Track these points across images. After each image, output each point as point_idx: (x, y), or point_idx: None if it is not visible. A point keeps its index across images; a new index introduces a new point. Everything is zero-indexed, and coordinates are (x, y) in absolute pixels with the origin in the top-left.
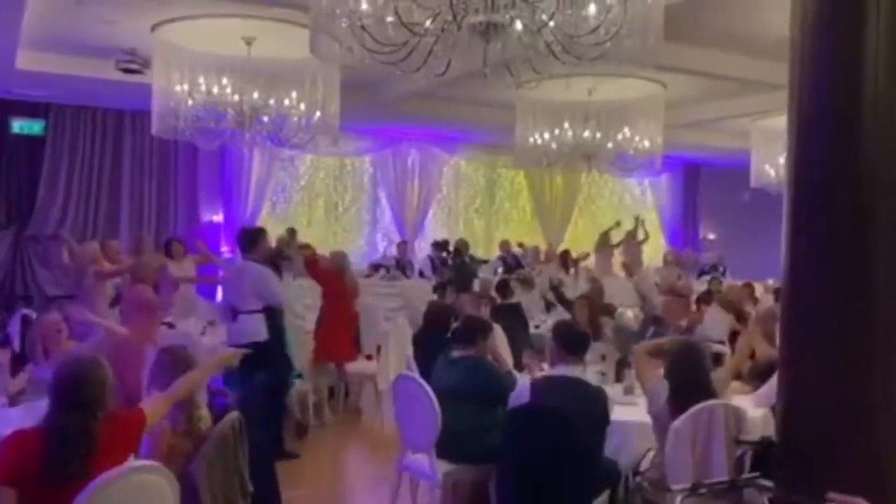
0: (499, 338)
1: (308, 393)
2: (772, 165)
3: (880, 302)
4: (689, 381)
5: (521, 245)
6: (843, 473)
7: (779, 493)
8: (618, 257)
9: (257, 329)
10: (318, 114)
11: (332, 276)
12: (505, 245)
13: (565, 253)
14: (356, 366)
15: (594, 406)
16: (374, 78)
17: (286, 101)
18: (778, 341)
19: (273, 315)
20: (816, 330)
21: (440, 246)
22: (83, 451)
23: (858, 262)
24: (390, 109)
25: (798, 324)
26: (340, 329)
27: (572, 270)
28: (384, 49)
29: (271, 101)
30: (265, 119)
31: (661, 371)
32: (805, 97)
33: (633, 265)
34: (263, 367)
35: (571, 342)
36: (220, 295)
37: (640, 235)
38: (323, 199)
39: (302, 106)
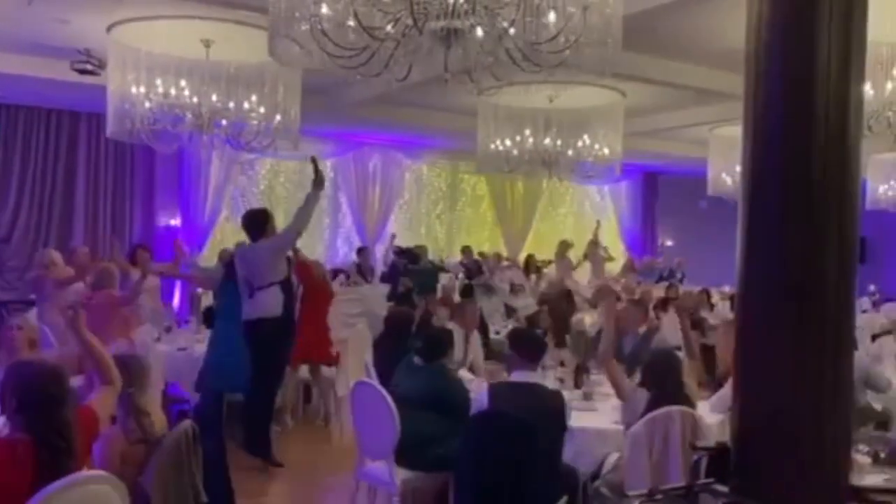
0: (474, 346)
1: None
2: (728, 174)
3: (832, 309)
4: (669, 389)
5: (481, 254)
6: (796, 479)
7: (733, 498)
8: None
9: (273, 304)
10: (278, 117)
11: (318, 280)
12: (467, 251)
13: (529, 258)
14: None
15: (552, 410)
16: (335, 82)
17: (245, 105)
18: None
19: (289, 287)
20: (769, 335)
21: (403, 253)
22: (72, 448)
23: (811, 269)
24: (351, 114)
25: (751, 329)
26: (322, 330)
27: (533, 276)
28: (345, 53)
29: (230, 105)
30: (224, 122)
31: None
32: (759, 107)
33: (595, 272)
34: (274, 345)
35: (527, 348)
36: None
37: (601, 242)
38: (284, 204)
39: (262, 109)
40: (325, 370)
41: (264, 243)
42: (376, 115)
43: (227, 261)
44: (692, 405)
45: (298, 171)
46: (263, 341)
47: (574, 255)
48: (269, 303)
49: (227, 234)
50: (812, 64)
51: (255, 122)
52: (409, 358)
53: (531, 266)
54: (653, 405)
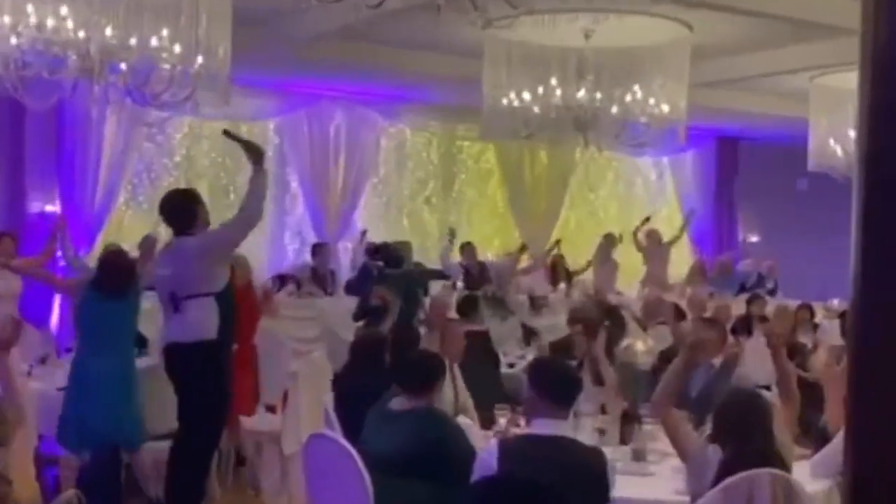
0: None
1: None
2: (838, 140)
3: None
4: (752, 445)
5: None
6: None
7: None
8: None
9: (206, 321)
10: (199, 59)
11: (242, 290)
12: (469, 250)
13: (557, 259)
14: (252, 421)
15: (589, 474)
16: (279, 9)
17: (153, 41)
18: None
19: (226, 301)
20: None
21: (378, 252)
22: None
23: None
24: (303, 54)
25: (872, 360)
26: (237, 369)
27: (562, 285)
28: None
29: (132, 41)
30: (123, 66)
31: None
32: (882, 43)
33: (651, 277)
34: (207, 379)
35: (554, 387)
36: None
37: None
38: (207, 181)
39: (176, 48)
40: (250, 421)
41: (191, 241)
42: (339, 56)
43: (103, 258)
44: (786, 467)
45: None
46: (193, 374)
47: (622, 256)
48: (200, 318)
49: (128, 225)
50: None
51: (166, 65)
52: (383, 402)
53: (559, 270)
54: (728, 468)
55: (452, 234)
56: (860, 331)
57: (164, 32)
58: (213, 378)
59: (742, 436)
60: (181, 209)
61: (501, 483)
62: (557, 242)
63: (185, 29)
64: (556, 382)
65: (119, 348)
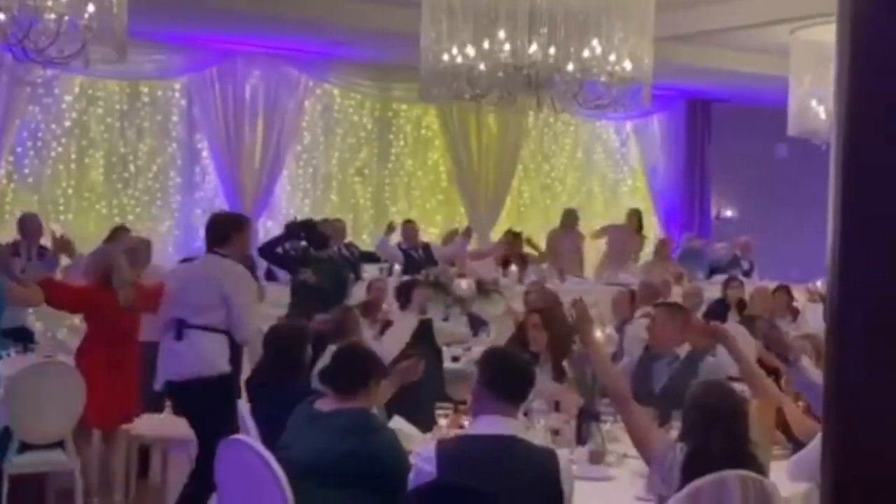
0: None
1: (74, 473)
2: (821, 101)
3: None
4: (721, 444)
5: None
6: None
7: None
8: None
9: (217, 353)
10: (90, 8)
11: (95, 287)
12: (409, 229)
13: (514, 237)
14: (157, 427)
15: (540, 481)
16: None
17: None
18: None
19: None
20: (881, 365)
21: (299, 229)
22: None
23: None
24: (214, 3)
25: (851, 351)
26: (108, 374)
27: (513, 268)
28: None
29: None
30: (1, 17)
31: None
32: None
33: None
34: (214, 417)
35: (503, 380)
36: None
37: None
38: (103, 150)
39: None
40: (149, 426)
41: (228, 263)
42: (255, 5)
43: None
44: (760, 467)
45: (126, 98)
46: (201, 412)
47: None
48: (212, 349)
49: (11, 202)
50: None
51: (52, 16)
52: (309, 401)
53: (514, 252)
54: (694, 468)
55: (391, 228)
56: (838, 316)
57: None
58: (218, 417)
59: (708, 433)
60: (221, 227)
61: (442, 489)
62: (518, 236)
63: None
64: (506, 375)
65: None
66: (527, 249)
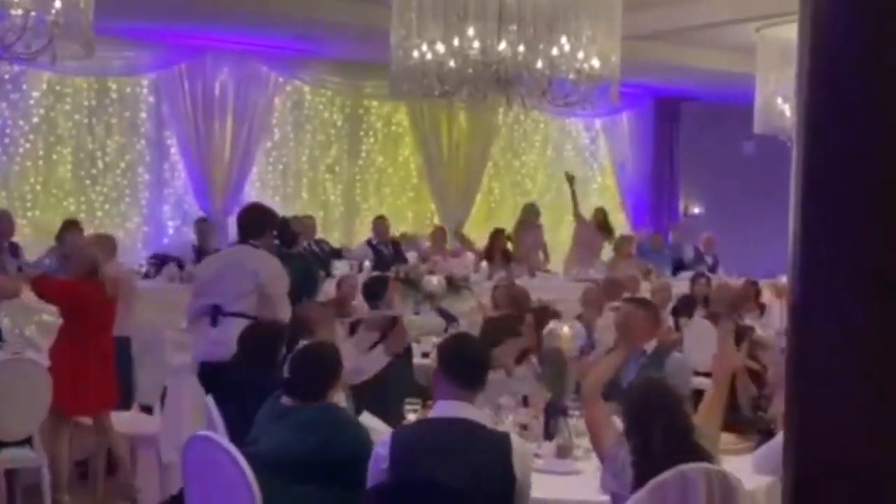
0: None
1: (42, 470)
2: (787, 99)
3: None
4: (664, 440)
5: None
6: None
7: None
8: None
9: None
10: (57, 3)
11: (80, 281)
12: (380, 225)
13: (496, 235)
14: (126, 423)
15: (492, 463)
16: None
17: None
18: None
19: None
20: (842, 361)
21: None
22: None
23: None
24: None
25: (813, 344)
26: (92, 362)
27: (484, 264)
28: None
29: None
30: None
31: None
32: None
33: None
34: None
35: (459, 364)
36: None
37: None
38: (71, 147)
39: None
40: (123, 423)
41: (262, 254)
42: (222, 2)
43: None
44: (708, 458)
45: (94, 94)
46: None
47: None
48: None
49: None
50: None
51: (18, 11)
52: (274, 398)
53: (496, 249)
54: (641, 465)
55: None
56: (799, 309)
57: None
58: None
59: (646, 432)
60: (256, 221)
61: (397, 484)
62: (502, 232)
63: None
64: (460, 359)
65: None
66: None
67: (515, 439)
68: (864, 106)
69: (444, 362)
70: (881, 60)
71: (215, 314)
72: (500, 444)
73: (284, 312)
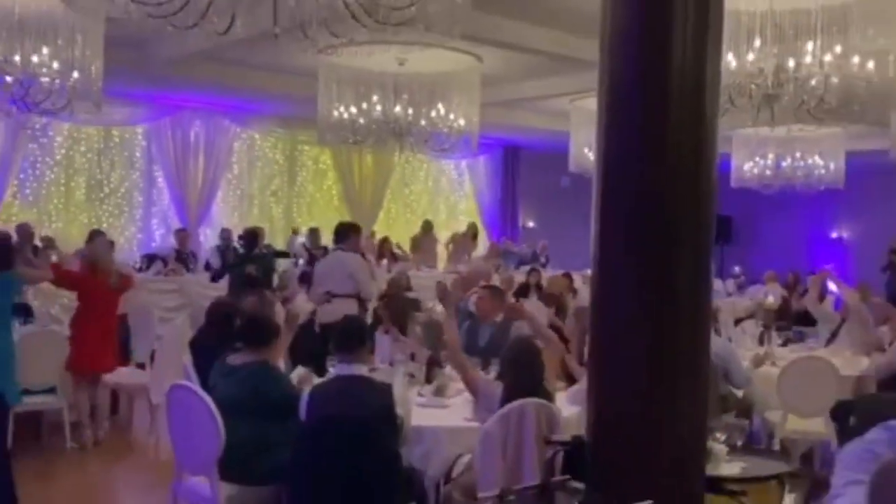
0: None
1: (63, 410)
2: (591, 148)
3: (686, 295)
4: (525, 382)
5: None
6: (653, 471)
7: (589, 497)
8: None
9: (350, 308)
10: (75, 74)
11: (84, 272)
12: (314, 234)
13: (384, 241)
14: (125, 376)
15: (379, 408)
16: (145, 34)
17: (34, 58)
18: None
19: (363, 303)
20: (623, 322)
21: (243, 237)
22: None
23: (664, 262)
24: (166, 72)
25: (605, 316)
26: (98, 335)
27: (384, 261)
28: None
29: (16, 58)
30: (8, 79)
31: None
32: (613, 81)
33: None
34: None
35: (345, 337)
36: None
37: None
38: (84, 177)
39: (55, 65)
40: (121, 376)
41: (350, 256)
42: (196, 74)
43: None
44: (549, 396)
45: (102, 139)
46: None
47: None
48: (345, 307)
49: (16, 213)
50: (667, 34)
51: (46, 79)
52: (223, 357)
53: (385, 252)
54: (508, 400)
55: (295, 231)
56: (596, 293)
57: (44, 51)
58: None
59: (516, 374)
60: (344, 232)
61: (315, 422)
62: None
63: (63, 48)
64: (345, 333)
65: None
66: (396, 250)
67: (395, 388)
68: (642, 157)
69: (334, 337)
70: (656, 128)
71: (329, 296)
72: (385, 391)
73: (367, 292)
